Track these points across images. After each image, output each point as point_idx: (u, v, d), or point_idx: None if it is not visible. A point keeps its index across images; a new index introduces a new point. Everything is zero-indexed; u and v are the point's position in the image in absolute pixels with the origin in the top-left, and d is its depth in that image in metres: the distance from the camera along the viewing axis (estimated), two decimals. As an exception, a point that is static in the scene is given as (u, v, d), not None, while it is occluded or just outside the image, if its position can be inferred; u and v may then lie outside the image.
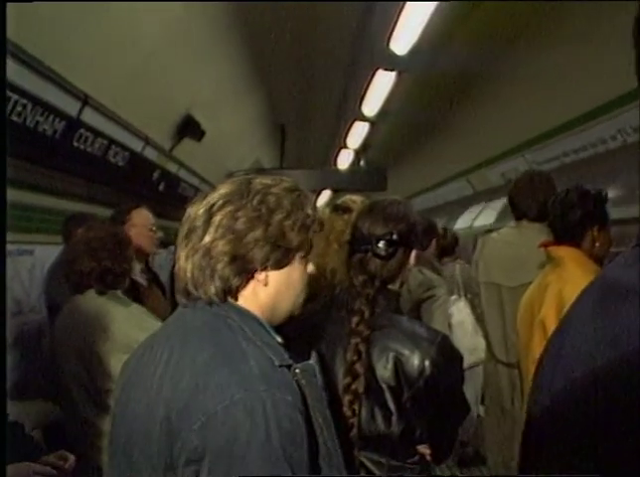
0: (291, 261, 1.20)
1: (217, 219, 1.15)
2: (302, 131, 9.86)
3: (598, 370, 0.41)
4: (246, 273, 1.16)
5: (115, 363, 2.19)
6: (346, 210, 2.16)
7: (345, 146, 9.62)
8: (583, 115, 4.99)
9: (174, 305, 2.61)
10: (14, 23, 2.91)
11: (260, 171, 9.05)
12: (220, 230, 1.14)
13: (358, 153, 10.09)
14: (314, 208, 1.24)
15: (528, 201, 2.80)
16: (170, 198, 6.73)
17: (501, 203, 7.25)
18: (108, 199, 5.59)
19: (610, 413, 0.40)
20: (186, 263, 1.17)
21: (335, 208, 2.21)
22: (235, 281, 1.16)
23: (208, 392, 1.02)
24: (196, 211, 1.18)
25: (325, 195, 13.01)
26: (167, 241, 5.23)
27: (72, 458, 1.90)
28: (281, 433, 0.99)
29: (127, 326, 2.25)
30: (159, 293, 3.15)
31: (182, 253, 1.19)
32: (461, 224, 9.04)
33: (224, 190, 1.19)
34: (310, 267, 1.27)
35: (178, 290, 1.22)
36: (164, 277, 3.44)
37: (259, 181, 1.21)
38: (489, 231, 3.95)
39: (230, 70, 6.04)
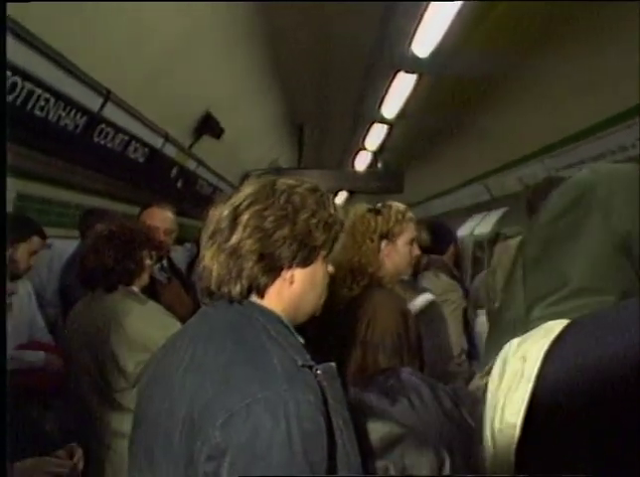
0: (316, 260, 1.23)
1: (244, 218, 1.17)
2: (321, 132, 9.86)
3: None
4: (274, 271, 1.18)
5: (129, 361, 2.19)
6: (378, 212, 2.21)
7: (363, 148, 9.60)
8: (603, 122, 4.95)
9: (196, 302, 2.64)
10: (41, 19, 2.95)
11: (278, 170, 9.06)
12: (247, 229, 1.17)
13: (376, 155, 10.07)
14: (336, 208, 1.27)
15: None
16: (188, 195, 6.77)
17: (500, 212, 7.28)
18: (127, 195, 5.64)
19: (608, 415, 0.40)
20: (211, 263, 1.19)
21: (369, 209, 2.25)
22: (263, 280, 1.18)
23: (231, 389, 1.03)
24: (220, 212, 1.21)
25: (341, 196, 13.01)
26: (183, 238, 5.28)
27: (79, 452, 1.92)
28: (302, 434, 1.00)
29: (142, 324, 2.24)
30: (180, 290, 3.14)
31: (207, 253, 1.20)
32: (463, 231, 9.05)
33: (248, 190, 1.22)
34: (330, 268, 1.30)
35: (201, 290, 1.24)
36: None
37: (283, 181, 1.23)
38: (500, 237, 3.92)
39: (249, 68, 6.06)
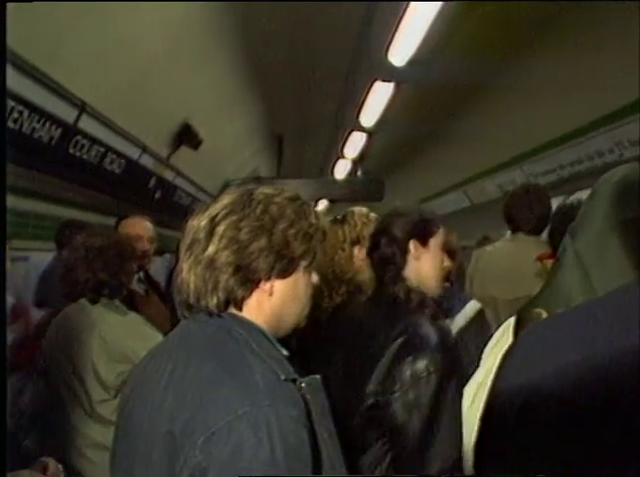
0: (296, 270, 1.20)
1: (220, 229, 1.15)
2: (300, 141, 9.87)
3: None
4: (251, 283, 1.16)
5: (109, 372, 2.18)
6: (343, 221, 2.24)
7: (342, 156, 9.62)
8: (581, 128, 5.00)
9: (174, 314, 2.61)
10: (11, 29, 2.91)
11: (258, 180, 9.04)
12: (223, 240, 1.14)
13: (355, 163, 10.09)
14: (317, 217, 1.24)
15: (523, 214, 2.80)
16: (166, 206, 6.73)
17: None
18: (104, 206, 5.59)
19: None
20: (188, 275, 1.17)
21: (333, 220, 2.27)
22: (239, 292, 1.15)
23: (212, 406, 1.01)
24: (198, 222, 1.18)
25: (322, 205, 13.01)
26: (162, 249, 5.24)
27: (53, 465, 1.89)
28: (286, 449, 0.97)
29: (123, 335, 2.22)
30: (157, 302, 3.12)
31: (184, 265, 1.18)
32: None
33: (226, 200, 1.19)
34: (315, 278, 1.27)
35: (179, 303, 1.21)
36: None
37: (261, 191, 1.21)
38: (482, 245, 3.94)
39: (227, 78, 6.04)
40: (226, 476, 0.96)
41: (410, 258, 1.78)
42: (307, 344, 1.58)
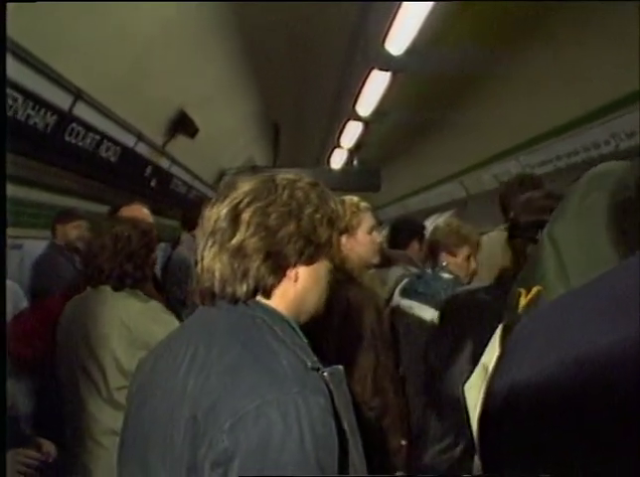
0: (321, 257, 1.19)
1: (245, 216, 1.12)
2: (296, 130, 9.84)
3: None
4: (281, 270, 1.14)
5: (130, 359, 2.14)
6: None
7: (339, 146, 9.60)
8: (577, 119, 5.00)
9: (168, 303, 2.59)
10: (10, 17, 2.89)
11: (254, 169, 9.02)
12: (251, 227, 1.12)
13: (351, 153, 10.08)
14: (336, 202, 1.22)
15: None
16: (162, 194, 6.71)
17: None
18: (100, 194, 5.57)
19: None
20: (213, 263, 1.14)
21: None
22: (270, 279, 1.13)
23: (238, 391, 0.99)
24: (218, 211, 1.15)
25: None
26: (159, 238, 5.22)
27: (47, 446, 1.88)
28: (314, 437, 0.96)
29: (145, 321, 2.19)
30: (154, 291, 3.10)
31: (206, 254, 1.15)
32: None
33: (247, 187, 1.16)
34: (329, 265, 1.25)
35: (198, 291, 1.18)
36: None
37: (283, 176, 1.19)
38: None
39: (224, 67, 6.02)
40: (253, 462, 0.94)
41: None
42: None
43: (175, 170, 7.07)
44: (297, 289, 1.17)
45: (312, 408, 0.98)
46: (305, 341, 1.14)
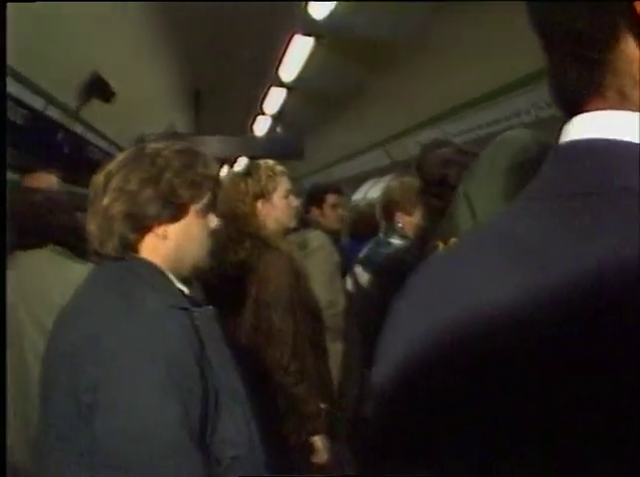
0: (185, 215, 1.33)
1: (112, 183, 1.29)
2: (218, 96, 9.62)
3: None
4: (142, 229, 1.30)
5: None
6: (248, 174, 2.28)
7: (262, 112, 9.47)
8: (499, 88, 5.07)
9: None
10: None
11: (175, 136, 8.77)
12: (115, 192, 1.28)
13: (275, 120, 9.96)
14: (206, 166, 1.37)
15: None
16: (76, 161, 6.42)
17: (390, 177, 7.50)
18: (11, 161, 5.26)
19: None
20: (89, 226, 1.31)
21: (238, 173, 2.36)
22: (131, 237, 1.29)
23: (104, 326, 1.15)
24: (98, 178, 1.31)
25: (242, 162, 12.84)
26: (76, 207, 5.00)
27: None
28: (170, 365, 1.11)
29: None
30: None
31: (88, 218, 1.32)
32: (357, 196, 9.32)
33: (121, 157, 1.34)
34: (214, 222, 1.40)
35: (90, 252, 1.36)
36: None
37: (152, 146, 1.35)
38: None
39: (142, 29, 5.78)
40: (114, 390, 1.10)
41: None
42: (215, 297, 1.57)
43: (91, 136, 6.77)
44: (168, 245, 1.32)
45: (169, 339, 1.14)
46: (182, 289, 1.32)
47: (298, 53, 5.86)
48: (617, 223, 0.36)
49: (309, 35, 5.47)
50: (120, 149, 7.91)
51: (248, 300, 2.09)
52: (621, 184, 0.38)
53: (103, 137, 7.28)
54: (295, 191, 2.41)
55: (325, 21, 4.87)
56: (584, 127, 0.42)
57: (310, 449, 2.10)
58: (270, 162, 2.32)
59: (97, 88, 5.84)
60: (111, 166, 1.31)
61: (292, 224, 2.41)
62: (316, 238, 3.07)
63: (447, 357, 0.37)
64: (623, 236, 0.35)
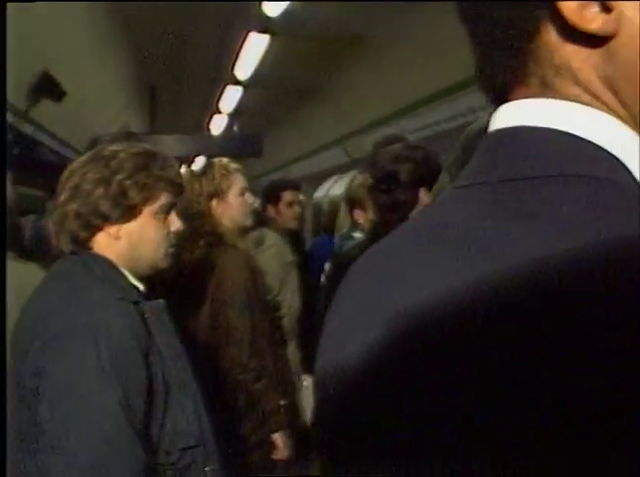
0: (137, 216, 1.36)
1: (71, 181, 1.35)
2: (174, 95, 9.51)
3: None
4: (93, 227, 1.34)
5: None
6: (202, 173, 2.30)
7: (218, 111, 9.39)
8: (456, 85, 5.11)
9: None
10: None
11: (130, 136, 8.62)
12: (71, 191, 1.34)
13: (231, 118, 9.90)
14: (163, 168, 1.40)
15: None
16: (26, 162, 6.26)
17: (352, 174, 7.54)
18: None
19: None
20: (49, 223, 1.41)
21: (192, 173, 2.44)
22: (82, 234, 1.33)
23: (51, 317, 1.21)
24: (62, 176, 1.38)
25: (199, 162, 12.72)
26: (27, 210, 4.88)
27: None
28: (113, 354, 1.15)
29: None
30: None
31: (50, 215, 1.41)
32: (318, 193, 9.33)
33: (83, 157, 1.39)
34: (176, 224, 1.43)
35: (54, 247, 1.40)
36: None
37: (110, 148, 1.39)
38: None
39: (93, 26, 5.66)
40: (57, 375, 1.15)
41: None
42: (173, 296, 1.62)
43: (41, 137, 6.61)
44: (122, 245, 1.35)
45: (113, 330, 1.17)
46: (136, 284, 1.36)
47: (253, 50, 5.83)
48: (541, 208, 0.37)
49: (264, 32, 5.44)
50: (73, 150, 7.75)
51: (206, 299, 2.10)
52: (543, 171, 0.38)
53: (54, 138, 7.11)
54: (251, 189, 2.41)
55: (280, 18, 4.85)
56: (510, 116, 0.42)
57: (271, 446, 2.10)
58: (225, 160, 2.33)
59: (48, 88, 5.70)
60: (74, 166, 1.37)
61: (248, 222, 2.42)
62: (268, 237, 3.04)
63: (384, 355, 0.36)
64: (549, 220, 0.36)
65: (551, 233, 0.35)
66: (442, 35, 4.68)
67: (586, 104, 0.40)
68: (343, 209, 2.87)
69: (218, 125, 10.51)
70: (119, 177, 1.33)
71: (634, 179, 0.39)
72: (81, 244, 1.34)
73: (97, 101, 7.77)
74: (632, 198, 0.37)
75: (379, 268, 0.42)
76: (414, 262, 0.39)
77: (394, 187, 1.72)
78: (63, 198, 1.34)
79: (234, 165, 2.33)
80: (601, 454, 0.29)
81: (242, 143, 8.71)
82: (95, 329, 1.16)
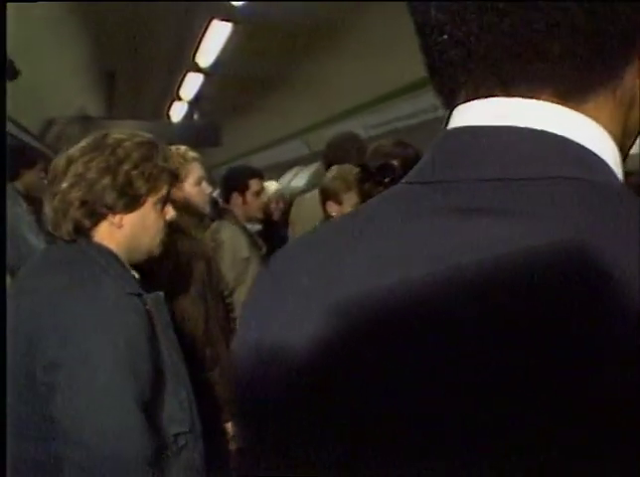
0: (141, 206, 1.37)
1: (72, 168, 1.32)
2: (133, 80, 9.34)
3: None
4: (97, 216, 1.33)
5: None
6: None
7: (178, 98, 9.27)
8: (418, 81, 5.14)
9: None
10: None
11: (86, 120, 8.45)
12: (74, 178, 1.31)
13: (192, 106, 9.78)
14: (165, 160, 1.41)
15: (342, 162, 2.82)
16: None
17: (315, 166, 7.56)
18: None
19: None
20: (47, 207, 1.34)
21: None
22: (86, 222, 1.32)
23: (63, 312, 1.18)
24: (58, 162, 1.34)
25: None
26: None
27: None
28: (127, 347, 1.17)
29: None
30: None
31: (45, 200, 1.35)
32: (279, 185, 9.34)
33: (83, 144, 1.36)
34: (170, 213, 1.45)
35: (46, 232, 1.41)
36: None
37: (114, 136, 1.37)
38: (303, 192, 3.94)
39: (53, 9, 5.51)
40: (75, 371, 1.14)
41: None
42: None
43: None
44: (124, 233, 1.36)
45: (126, 325, 1.20)
46: (132, 273, 1.37)
47: (216, 38, 5.78)
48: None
49: (227, 20, 5.39)
50: (29, 133, 7.55)
51: (162, 286, 2.07)
52: (482, 171, 0.38)
53: (10, 120, 6.92)
54: (210, 178, 2.38)
55: (243, 6, 4.81)
56: (459, 116, 0.42)
57: (228, 436, 2.10)
58: (182, 148, 2.27)
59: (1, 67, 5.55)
60: (73, 151, 1.35)
61: (205, 210, 2.38)
62: (222, 231, 2.96)
63: (297, 353, 0.36)
64: (487, 221, 0.35)
65: (490, 231, 0.35)
66: (407, 31, 4.71)
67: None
68: (318, 199, 2.82)
69: (177, 113, 10.37)
70: (126, 167, 1.34)
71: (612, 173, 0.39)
72: (85, 233, 1.34)
73: (53, 84, 7.58)
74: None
75: (307, 258, 0.42)
76: (345, 254, 0.39)
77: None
78: (65, 185, 1.32)
79: (191, 153, 2.27)
80: (601, 454, 0.29)
81: (201, 132, 8.63)
82: (112, 327, 1.18)
